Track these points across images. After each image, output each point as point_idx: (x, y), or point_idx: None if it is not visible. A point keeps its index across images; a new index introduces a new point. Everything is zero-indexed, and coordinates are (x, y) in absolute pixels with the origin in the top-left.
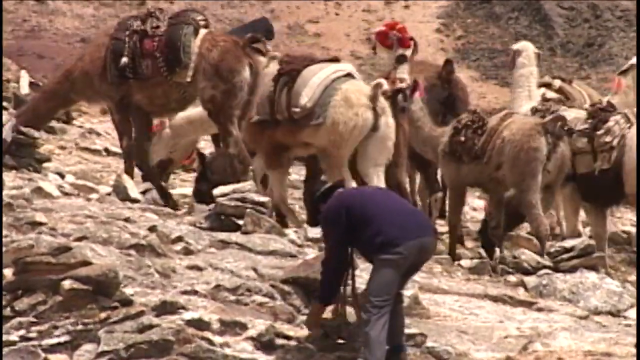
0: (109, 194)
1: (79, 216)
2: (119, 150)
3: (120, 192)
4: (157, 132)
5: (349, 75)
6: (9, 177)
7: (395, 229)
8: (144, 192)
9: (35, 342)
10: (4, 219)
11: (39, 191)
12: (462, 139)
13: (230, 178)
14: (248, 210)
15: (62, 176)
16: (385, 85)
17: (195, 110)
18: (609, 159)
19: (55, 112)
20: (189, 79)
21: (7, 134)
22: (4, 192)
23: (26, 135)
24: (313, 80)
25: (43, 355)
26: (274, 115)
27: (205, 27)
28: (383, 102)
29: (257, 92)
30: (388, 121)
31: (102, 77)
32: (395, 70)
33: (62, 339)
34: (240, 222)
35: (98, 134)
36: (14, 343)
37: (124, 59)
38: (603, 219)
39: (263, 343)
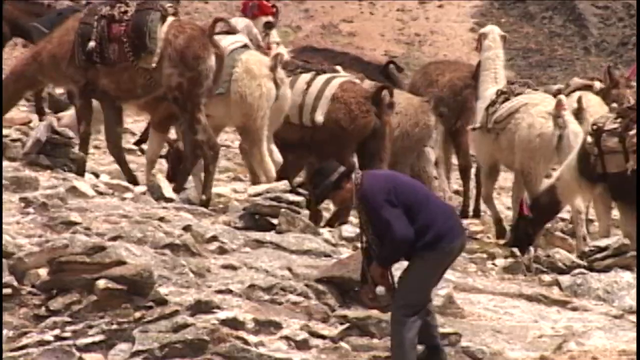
0: (143, 194)
1: (114, 216)
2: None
3: (155, 192)
4: None
5: (245, 47)
6: (43, 177)
7: (446, 225)
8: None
9: (70, 342)
10: (39, 218)
11: (73, 191)
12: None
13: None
14: (282, 209)
15: (96, 176)
16: (287, 56)
17: None
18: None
19: (22, 93)
20: (154, 65)
21: (42, 134)
22: (39, 192)
23: (61, 135)
24: None
25: (78, 354)
26: None
27: (174, 15)
28: (282, 73)
29: (220, 79)
30: (286, 92)
31: (70, 60)
32: (267, 37)
33: (97, 338)
34: (275, 221)
35: (133, 134)
36: (48, 342)
37: (92, 43)
38: (633, 218)
39: (297, 342)
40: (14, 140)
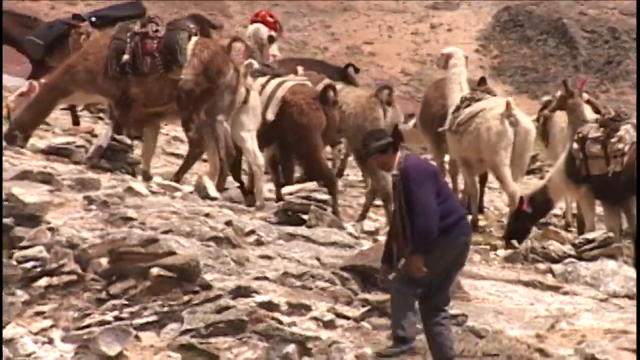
0: (191, 193)
1: (165, 212)
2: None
3: (201, 191)
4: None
5: None
6: (104, 178)
7: (462, 217)
8: (221, 192)
9: (127, 322)
10: (100, 214)
11: (130, 190)
12: None
13: None
14: (312, 207)
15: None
16: (256, 65)
17: None
18: (622, 162)
19: (56, 102)
20: (183, 76)
21: (103, 140)
22: (100, 192)
23: (120, 142)
24: None
25: (134, 333)
26: None
27: (196, 34)
28: (250, 80)
29: (239, 91)
30: (255, 95)
31: (105, 73)
32: (268, 48)
33: (151, 319)
34: (305, 217)
35: (182, 141)
36: (108, 322)
37: (126, 56)
38: (615, 214)
39: (325, 322)
40: (78, 147)
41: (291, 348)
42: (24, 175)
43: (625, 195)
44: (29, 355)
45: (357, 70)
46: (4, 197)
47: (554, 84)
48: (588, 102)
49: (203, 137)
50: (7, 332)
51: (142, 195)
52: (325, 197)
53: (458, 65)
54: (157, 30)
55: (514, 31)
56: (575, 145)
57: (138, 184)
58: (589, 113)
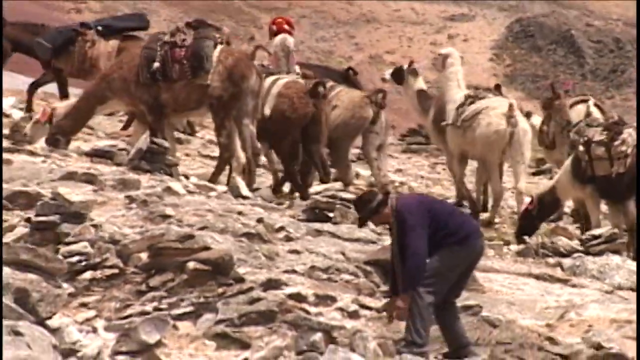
0: (225, 192)
1: (201, 210)
2: None
3: (234, 191)
4: (41, 121)
5: None
6: (144, 179)
7: (472, 227)
8: (253, 191)
9: (165, 312)
10: (140, 212)
11: (168, 190)
12: None
13: None
14: (337, 205)
15: (187, 178)
16: None
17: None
18: (625, 164)
19: (95, 108)
20: (209, 82)
21: (143, 143)
22: (140, 191)
23: (159, 145)
24: None
25: (172, 322)
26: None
27: (221, 43)
28: None
29: (261, 95)
30: None
31: (137, 81)
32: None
33: (187, 309)
34: (331, 214)
35: (217, 144)
36: (148, 313)
37: (156, 64)
38: (618, 212)
39: (349, 312)
40: (120, 149)
41: (318, 336)
42: (70, 176)
43: (627, 195)
44: (74, 343)
45: (355, 73)
46: (50, 196)
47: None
48: (595, 105)
49: (233, 142)
50: (54, 322)
51: (180, 194)
52: (350, 196)
53: (455, 65)
54: (184, 39)
55: (525, 41)
56: (581, 148)
57: (176, 184)
58: (598, 115)
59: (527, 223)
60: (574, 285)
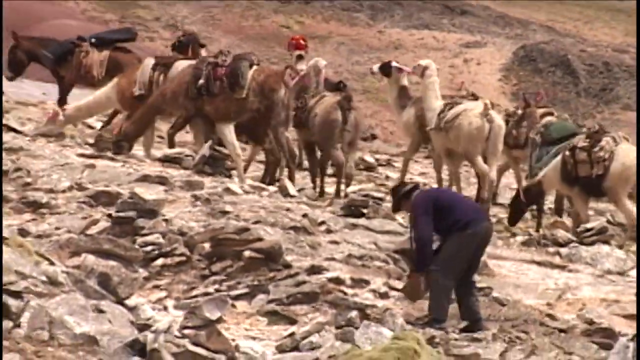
0: (275, 192)
1: (255, 207)
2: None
3: (283, 190)
4: (50, 120)
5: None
6: (207, 181)
7: (473, 215)
8: (299, 190)
9: (225, 293)
10: (204, 209)
11: (227, 190)
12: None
13: None
14: (370, 202)
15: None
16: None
17: (82, 101)
18: (603, 167)
19: (153, 119)
20: (244, 95)
21: (206, 151)
22: (204, 191)
23: (219, 152)
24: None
25: (230, 302)
26: None
27: (257, 64)
28: None
29: (290, 108)
30: None
31: (186, 94)
32: (296, 65)
33: (243, 291)
34: (365, 210)
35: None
36: (210, 294)
37: (201, 81)
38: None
39: (380, 293)
40: (187, 156)
41: (354, 314)
42: (144, 178)
43: (609, 194)
44: (148, 319)
45: (344, 86)
46: (128, 195)
47: (560, 107)
48: (557, 117)
49: (276, 147)
50: (131, 301)
51: (237, 194)
52: (381, 195)
53: (433, 75)
54: (225, 60)
55: (529, 64)
56: (567, 153)
57: (234, 185)
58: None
59: (516, 210)
60: (570, 271)
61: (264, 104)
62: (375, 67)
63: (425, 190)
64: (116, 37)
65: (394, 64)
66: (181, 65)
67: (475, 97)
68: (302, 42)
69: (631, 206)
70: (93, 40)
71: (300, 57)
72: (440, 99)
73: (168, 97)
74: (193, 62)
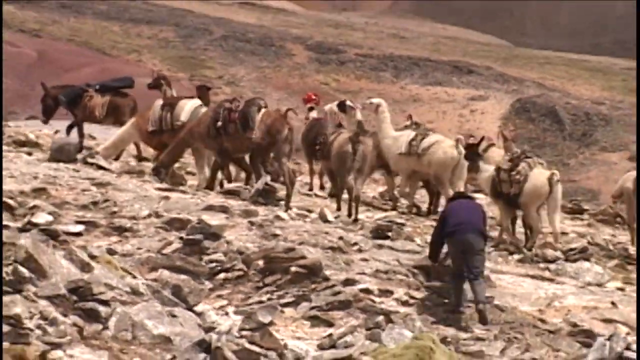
0: (316, 218)
1: (300, 231)
2: (322, 194)
3: (323, 217)
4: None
5: (201, 106)
6: (261, 210)
7: (460, 226)
8: (336, 217)
9: (275, 301)
10: (258, 232)
11: (277, 217)
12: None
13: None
14: (393, 227)
15: (290, 209)
16: None
17: (107, 141)
18: (519, 187)
19: (184, 150)
20: (253, 136)
21: (260, 184)
22: (258, 218)
23: (270, 186)
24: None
25: (280, 308)
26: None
27: (265, 107)
28: None
29: (294, 141)
30: None
31: (208, 133)
32: (308, 114)
33: (290, 299)
34: (390, 233)
35: (304, 183)
36: (263, 302)
37: (219, 123)
38: (514, 215)
39: (402, 301)
40: (244, 189)
41: (380, 318)
42: (210, 207)
43: (522, 207)
44: (212, 322)
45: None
46: (196, 221)
47: (548, 149)
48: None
49: (293, 174)
50: (199, 308)
51: (285, 220)
52: (402, 220)
53: (385, 112)
54: (238, 106)
55: (523, 114)
56: (494, 173)
57: (283, 214)
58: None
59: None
60: (557, 283)
61: (267, 141)
62: (334, 105)
63: (450, 203)
64: (117, 84)
65: (347, 102)
66: (184, 104)
67: (417, 125)
68: (313, 97)
69: (537, 216)
70: (97, 86)
71: (311, 109)
72: (392, 130)
73: (195, 135)
74: (196, 101)
